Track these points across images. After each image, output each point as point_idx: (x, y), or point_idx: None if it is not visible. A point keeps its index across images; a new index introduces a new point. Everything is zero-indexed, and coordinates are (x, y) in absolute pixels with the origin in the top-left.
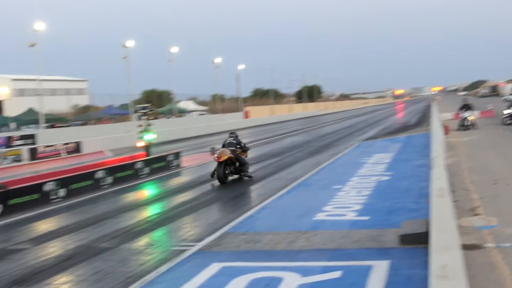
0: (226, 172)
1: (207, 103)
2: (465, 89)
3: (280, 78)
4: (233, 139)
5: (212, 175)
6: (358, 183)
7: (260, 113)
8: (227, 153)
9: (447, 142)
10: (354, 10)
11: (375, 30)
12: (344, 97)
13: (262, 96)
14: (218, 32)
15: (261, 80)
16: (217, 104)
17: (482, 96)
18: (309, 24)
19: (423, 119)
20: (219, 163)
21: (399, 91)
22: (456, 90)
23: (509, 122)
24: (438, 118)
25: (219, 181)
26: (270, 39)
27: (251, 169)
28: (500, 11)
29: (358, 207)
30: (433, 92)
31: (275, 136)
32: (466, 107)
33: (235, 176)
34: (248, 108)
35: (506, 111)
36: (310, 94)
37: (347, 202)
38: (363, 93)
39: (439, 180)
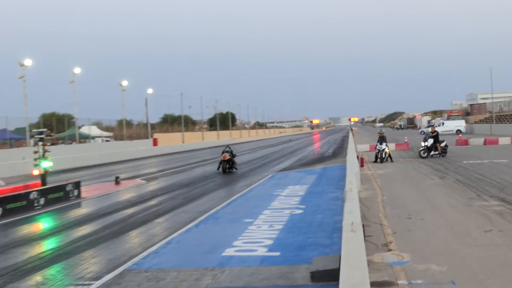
0: (227, 166)
1: (113, 128)
2: (382, 120)
3: (192, 104)
4: (228, 149)
5: (218, 167)
6: (270, 217)
7: (170, 141)
8: (227, 156)
9: (363, 175)
10: (268, 37)
11: (291, 58)
12: (260, 125)
13: (173, 122)
14: (126, 56)
15: (171, 106)
16: (123, 130)
17: (400, 128)
18: (221, 50)
19: (340, 150)
20: (224, 161)
21: (315, 121)
22: (374, 121)
23: (425, 155)
24: (354, 149)
25: (223, 172)
26: (181, 65)
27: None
28: (417, 47)
29: (269, 242)
30: (351, 123)
31: (185, 166)
32: (382, 139)
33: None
34: (156, 135)
35: (423, 143)
36: (223, 121)
37: (258, 237)
38: (279, 122)
39: (351, 215)
